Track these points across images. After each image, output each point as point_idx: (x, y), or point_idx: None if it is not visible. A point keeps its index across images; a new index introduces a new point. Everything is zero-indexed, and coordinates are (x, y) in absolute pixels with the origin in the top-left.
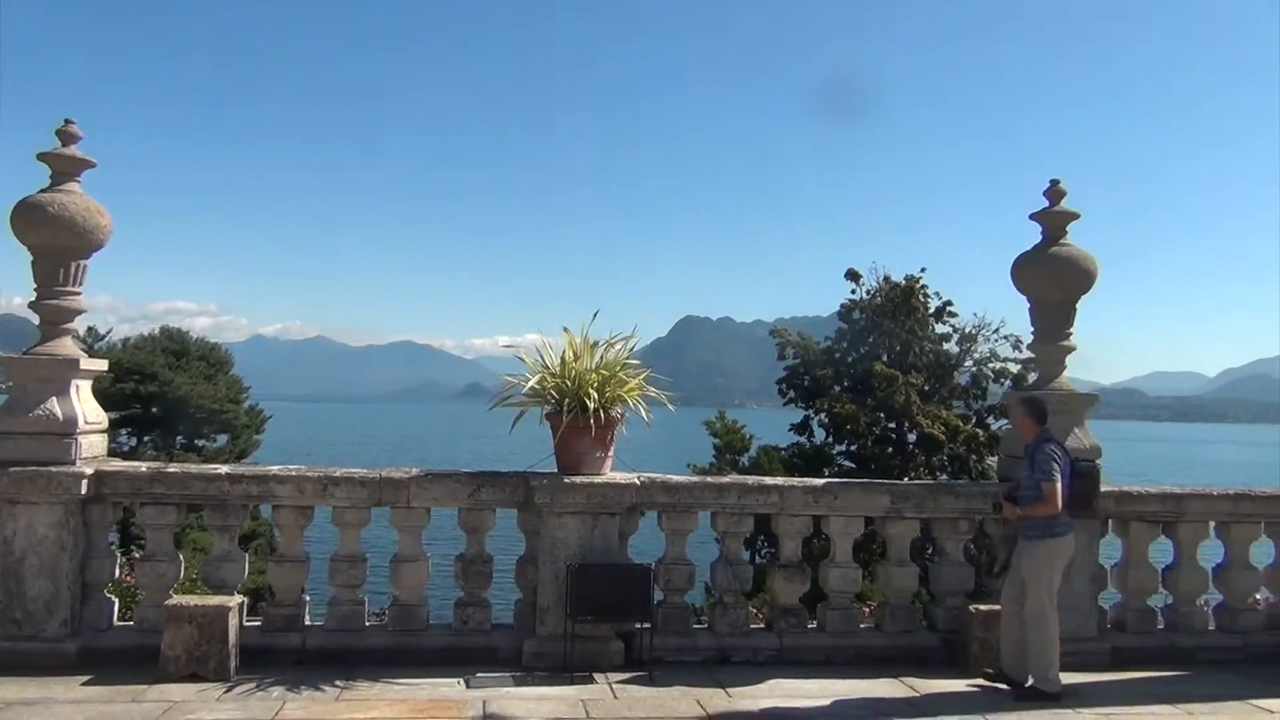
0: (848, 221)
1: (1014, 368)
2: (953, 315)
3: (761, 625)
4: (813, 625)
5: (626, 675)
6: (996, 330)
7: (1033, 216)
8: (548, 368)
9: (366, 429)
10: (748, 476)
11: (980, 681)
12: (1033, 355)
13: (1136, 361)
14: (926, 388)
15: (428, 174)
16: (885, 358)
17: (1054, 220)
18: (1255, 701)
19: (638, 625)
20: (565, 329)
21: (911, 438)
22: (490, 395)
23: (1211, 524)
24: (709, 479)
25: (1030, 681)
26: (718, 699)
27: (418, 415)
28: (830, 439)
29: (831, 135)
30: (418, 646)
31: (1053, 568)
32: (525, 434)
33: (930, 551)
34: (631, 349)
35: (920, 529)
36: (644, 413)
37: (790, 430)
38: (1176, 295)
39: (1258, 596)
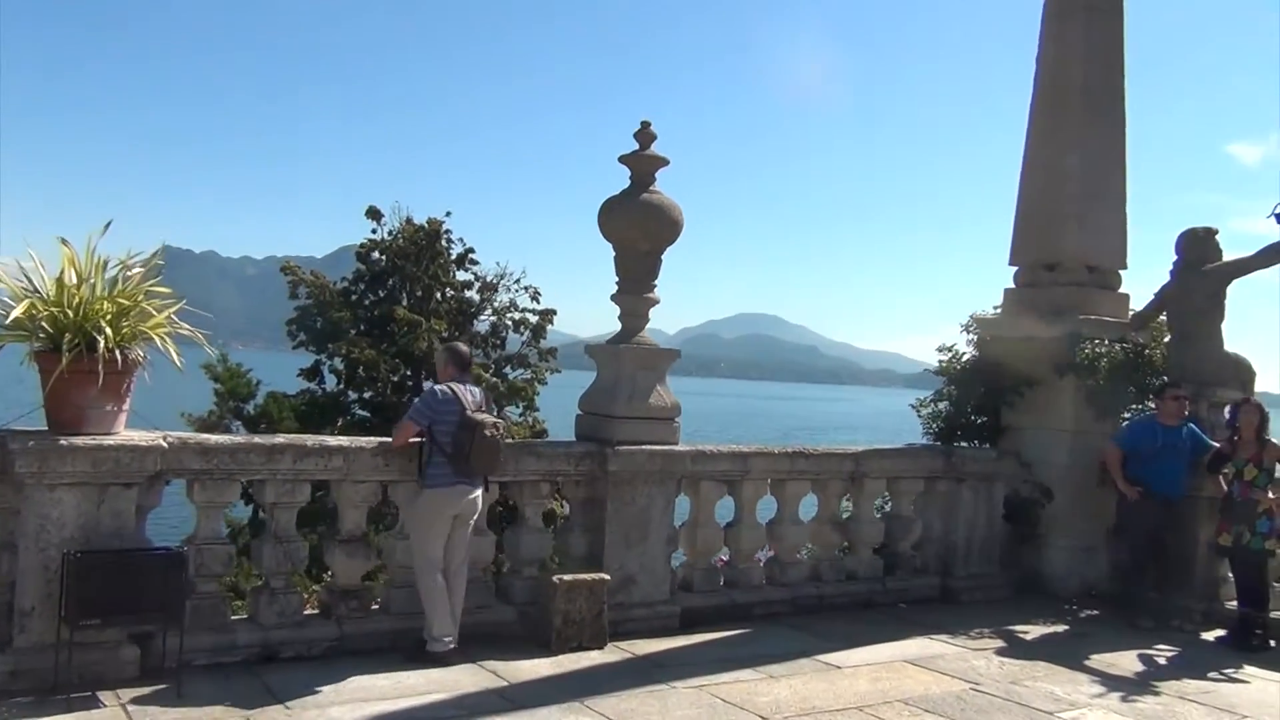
0: (353, 163)
1: (533, 318)
2: (475, 263)
3: (315, 611)
4: (376, 607)
5: (146, 690)
6: (518, 280)
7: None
8: (37, 292)
9: None
10: (306, 436)
11: (566, 662)
12: (612, 306)
13: (609, 318)
14: (446, 335)
15: None
16: (406, 302)
17: (643, 164)
18: (820, 657)
19: (160, 625)
20: (64, 241)
21: (429, 385)
22: None
23: (769, 481)
24: (257, 439)
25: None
26: (272, 712)
27: None
28: (343, 386)
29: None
30: None
31: (418, 520)
32: None
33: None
34: (158, 274)
35: (497, 491)
36: (174, 355)
37: (299, 375)
38: None
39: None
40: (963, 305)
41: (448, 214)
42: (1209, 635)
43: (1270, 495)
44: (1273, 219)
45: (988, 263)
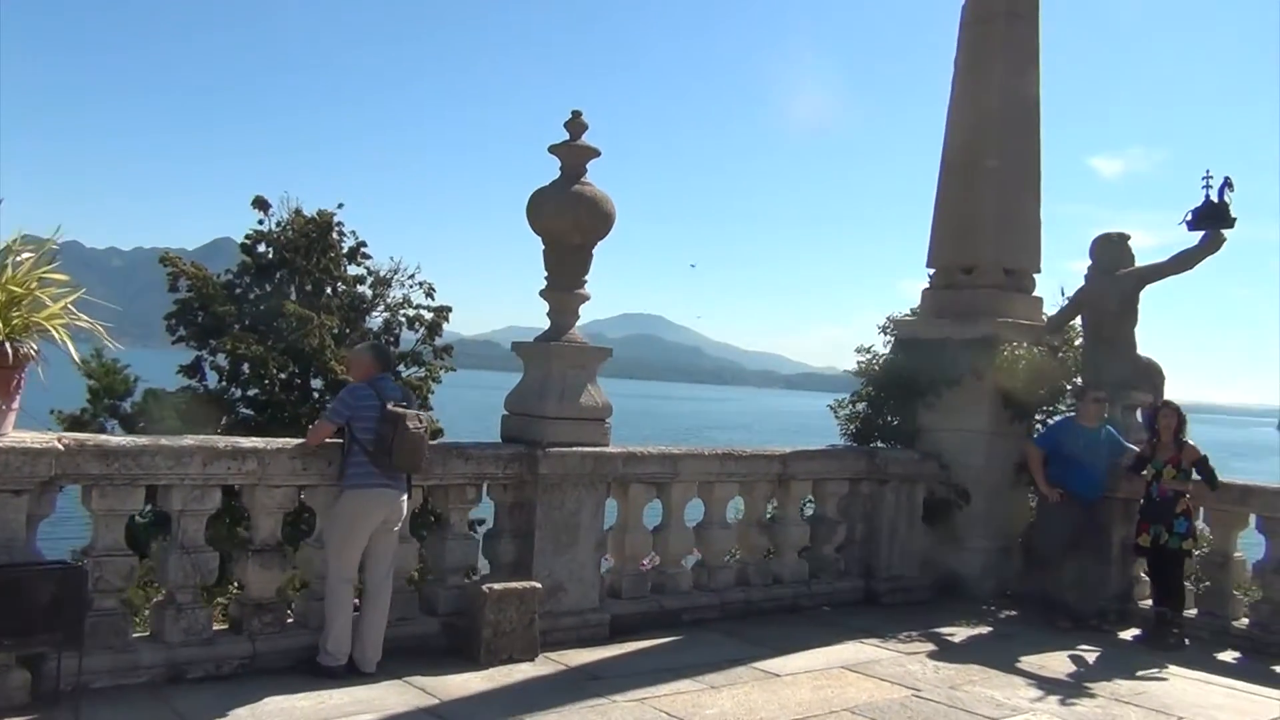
0: (228, 153)
1: (428, 315)
2: (367, 257)
3: (225, 627)
4: (291, 621)
5: (38, 717)
6: (412, 276)
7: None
8: None
9: None
10: (216, 438)
11: (497, 676)
12: (548, 302)
13: (494, 317)
14: (336, 331)
15: None
16: (296, 297)
17: (574, 155)
18: (757, 665)
19: (55, 647)
20: None
21: (317, 383)
22: None
23: (697, 483)
24: (164, 441)
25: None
26: None
27: None
28: (225, 383)
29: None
30: None
31: (337, 524)
32: None
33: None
34: (53, 260)
35: (421, 496)
36: (72, 350)
37: (179, 372)
38: (524, 259)
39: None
40: (841, 310)
41: (339, 206)
42: (1125, 634)
43: (1187, 496)
44: (1184, 226)
45: (868, 267)
